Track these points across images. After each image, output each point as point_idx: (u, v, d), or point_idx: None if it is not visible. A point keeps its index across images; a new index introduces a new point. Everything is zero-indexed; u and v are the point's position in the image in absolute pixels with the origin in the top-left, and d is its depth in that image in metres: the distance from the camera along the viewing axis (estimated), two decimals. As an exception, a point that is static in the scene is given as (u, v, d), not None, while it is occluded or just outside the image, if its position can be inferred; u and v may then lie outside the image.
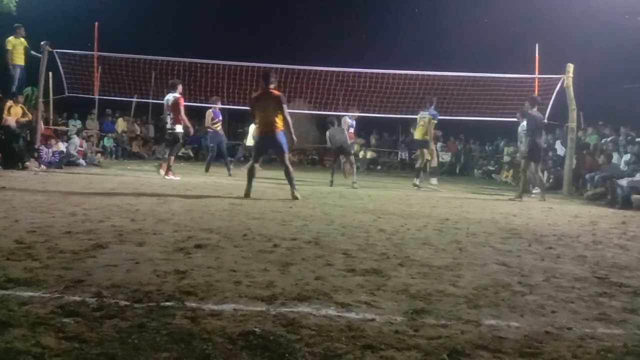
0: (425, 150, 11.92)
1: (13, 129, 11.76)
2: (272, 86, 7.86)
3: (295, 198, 7.65)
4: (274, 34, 26.23)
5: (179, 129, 10.66)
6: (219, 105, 13.19)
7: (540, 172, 10.13)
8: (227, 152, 13.53)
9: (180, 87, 10.85)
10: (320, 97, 14.31)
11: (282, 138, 7.76)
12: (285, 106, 7.72)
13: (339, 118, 12.35)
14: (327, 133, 11.60)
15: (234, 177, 11.58)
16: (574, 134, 12.38)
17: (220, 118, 13.40)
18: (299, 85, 14.14)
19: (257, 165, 8.00)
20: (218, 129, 13.07)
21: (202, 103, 13.93)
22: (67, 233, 4.23)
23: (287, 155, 7.92)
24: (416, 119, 11.99)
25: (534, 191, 11.04)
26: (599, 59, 17.97)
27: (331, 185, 11.00)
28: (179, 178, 10.48)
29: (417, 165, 12.25)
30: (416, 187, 11.43)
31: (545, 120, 12.95)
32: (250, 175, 7.88)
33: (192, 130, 11.55)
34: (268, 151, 8.28)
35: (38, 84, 12.95)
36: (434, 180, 11.80)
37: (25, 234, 4.09)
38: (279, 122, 7.69)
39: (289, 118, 7.73)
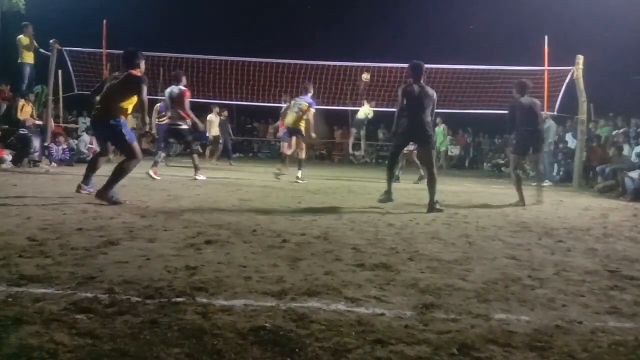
0: (295, 139, 10.49)
1: (28, 127, 11.87)
2: (137, 69, 6.36)
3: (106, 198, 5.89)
4: (280, 29, 26.20)
5: (184, 124, 9.75)
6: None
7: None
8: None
9: (184, 79, 10.05)
10: (328, 92, 14.32)
11: (117, 126, 6.13)
12: (143, 90, 6.17)
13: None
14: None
15: (228, 170, 11.47)
16: (584, 126, 12.28)
17: (168, 113, 14.29)
18: (307, 80, 14.15)
19: (102, 158, 6.62)
20: (164, 122, 13.55)
21: (210, 99, 14.10)
22: (79, 230, 4.26)
23: (134, 147, 6.17)
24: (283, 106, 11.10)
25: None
26: (608, 51, 17.80)
27: (397, 181, 10.07)
28: (204, 178, 9.88)
29: (285, 152, 10.88)
30: (277, 177, 10.37)
31: (555, 113, 12.89)
32: (91, 167, 6.52)
33: (201, 126, 10.64)
34: (108, 141, 6.56)
35: (47, 82, 13.04)
36: (300, 173, 10.29)
37: (37, 231, 4.14)
38: (121, 107, 6.21)
39: (145, 105, 6.25)
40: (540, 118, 7.96)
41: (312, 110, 10.37)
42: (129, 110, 6.38)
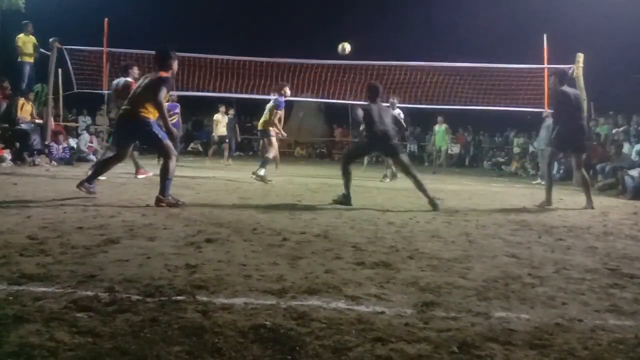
0: (266, 141, 10.31)
1: (27, 125, 11.88)
2: (168, 70, 6.04)
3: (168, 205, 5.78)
4: (280, 27, 26.22)
5: None
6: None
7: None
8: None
9: (135, 71, 9.14)
10: (327, 89, 14.36)
11: (148, 125, 5.91)
12: (160, 91, 5.79)
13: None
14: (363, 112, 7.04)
15: (228, 169, 11.41)
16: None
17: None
18: (306, 77, 14.18)
19: (115, 163, 6.37)
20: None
21: (211, 92, 14.28)
22: (79, 228, 4.26)
23: (168, 145, 5.90)
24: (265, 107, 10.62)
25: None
26: (608, 49, 17.80)
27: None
28: (150, 174, 9.19)
29: (268, 155, 10.22)
30: (258, 178, 9.67)
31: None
32: (101, 168, 6.38)
33: None
34: (130, 141, 6.35)
35: (47, 80, 13.03)
36: (262, 172, 9.83)
37: (38, 229, 4.13)
38: (149, 109, 5.91)
39: (161, 107, 5.85)
40: (583, 112, 7.20)
41: (279, 112, 10.08)
42: (156, 115, 6.00)
